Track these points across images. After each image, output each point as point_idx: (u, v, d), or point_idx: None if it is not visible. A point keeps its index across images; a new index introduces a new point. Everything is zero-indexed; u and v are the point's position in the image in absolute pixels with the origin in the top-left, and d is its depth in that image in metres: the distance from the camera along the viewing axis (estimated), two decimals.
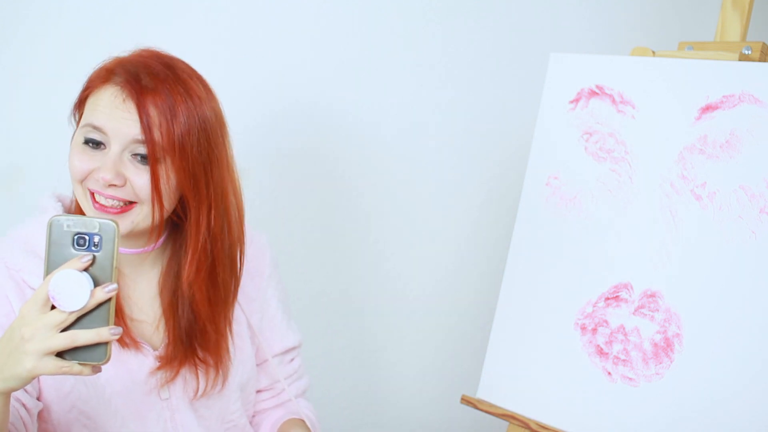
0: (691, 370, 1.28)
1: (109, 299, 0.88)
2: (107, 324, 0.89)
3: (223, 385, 1.23)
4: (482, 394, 1.50)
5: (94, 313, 0.88)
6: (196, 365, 1.20)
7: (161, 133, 1.09)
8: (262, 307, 1.32)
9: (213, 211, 1.15)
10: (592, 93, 1.44)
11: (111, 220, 0.89)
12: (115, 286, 0.89)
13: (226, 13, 1.67)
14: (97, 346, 0.89)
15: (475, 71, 1.92)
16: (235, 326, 1.26)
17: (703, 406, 1.26)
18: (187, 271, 1.16)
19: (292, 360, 1.37)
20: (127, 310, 1.18)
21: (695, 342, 1.28)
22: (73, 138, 1.16)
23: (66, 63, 1.59)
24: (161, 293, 1.20)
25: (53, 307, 0.88)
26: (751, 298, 1.24)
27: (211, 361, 1.21)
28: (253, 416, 1.36)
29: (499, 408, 1.47)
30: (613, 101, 1.41)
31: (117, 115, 1.09)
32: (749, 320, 1.23)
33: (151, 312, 1.21)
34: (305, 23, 1.75)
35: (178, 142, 1.09)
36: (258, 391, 1.36)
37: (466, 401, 1.51)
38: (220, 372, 1.22)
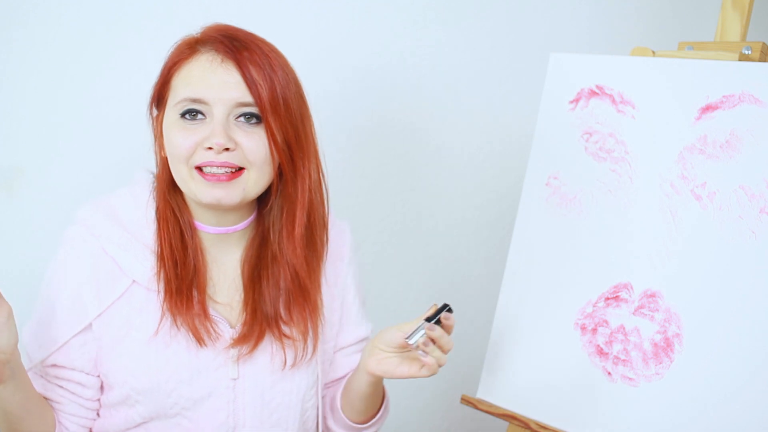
0: (691, 370, 1.28)
1: None
2: None
3: (313, 351, 1.21)
4: (482, 394, 1.50)
5: None
6: (281, 337, 1.18)
7: (265, 90, 1.09)
8: (342, 293, 1.30)
9: (312, 166, 1.17)
10: (592, 93, 1.44)
11: None
12: None
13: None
14: None
15: (475, 71, 1.92)
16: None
17: (703, 406, 1.26)
18: (297, 226, 1.16)
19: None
20: (211, 295, 1.18)
21: (695, 342, 1.28)
22: (161, 123, 1.15)
23: (67, 64, 1.59)
24: (243, 268, 1.19)
25: None
26: (750, 298, 1.24)
27: (300, 328, 1.19)
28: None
29: (499, 408, 1.47)
30: (613, 101, 1.41)
31: (217, 80, 1.09)
32: (749, 320, 1.23)
33: (233, 295, 1.20)
34: (297, 29, 1.75)
35: (282, 98, 1.10)
36: (333, 382, 1.33)
37: (466, 401, 1.51)
38: (310, 336, 1.20)
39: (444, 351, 1.16)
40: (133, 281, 1.14)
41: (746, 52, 1.33)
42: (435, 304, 1.17)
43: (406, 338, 1.14)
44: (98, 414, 1.20)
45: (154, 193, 1.18)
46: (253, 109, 1.10)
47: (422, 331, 1.14)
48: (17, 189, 1.60)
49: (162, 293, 1.14)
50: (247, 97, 1.09)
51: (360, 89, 1.83)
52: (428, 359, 1.15)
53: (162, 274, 1.14)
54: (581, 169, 1.44)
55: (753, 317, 1.23)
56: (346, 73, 1.81)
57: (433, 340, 1.14)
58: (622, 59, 1.42)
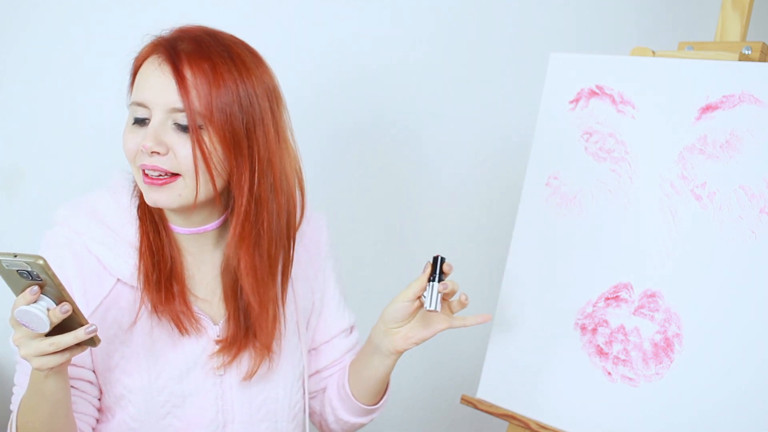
0: (691, 370, 1.28)
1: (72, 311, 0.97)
2: (81, 325, 0.98)
3: (269, 366, 1.21)
4: (482, 394, 1.50)
5: (66, 321, 0.97)
6: (254, 347, 1.18)
7: (200, 98, 1.05)
8: (322, 287, 1.31)
9: (257, 175, 1.10)
10: (592, 93, 1.44)
11: (34, 256, 0.93)
12: (67, 307, 0.96)
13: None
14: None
15: (475, 71, 1.92)
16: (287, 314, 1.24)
17: (703, 406, 1.26)
18: (231, 236, 1.13)
19: (351, 333, 1.36)
20: (191, 288, 1.18)
21: (695, 342, 1.28)
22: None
23: (66, 64, 1.59)
24: (223, 273, 1.18)
25: None
26: (750, 298, 1.24)
27: (262, 341, 1.18)
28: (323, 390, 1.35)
29: (499, 408, 1.47)
30: (613, 101, 1.41)
31: (154, 82, 1.07)
32: (749, 320, 1.23)
33: (214, 291, 1.19)
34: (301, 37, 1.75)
35: (218, 108, 1.06)
36: (317, 372, 1.34)
37: (466, 401, 1.51)
38: (267, 351, 1.19)
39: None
40: (118, 280, 1.14)
41: (746, 52, 1.33)
42: (428, 262, 1.20)
43: (428, 308, 1.19)
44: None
45: (136, 190, 1.17)
46: (184, 116, 1.07)
47: (437, 293, 1.18)
48: (17, 189, 1.60)
49: (142, 284, 1.14)
50: (180, 103, 1.06)
51: (359, 89, 1.83)
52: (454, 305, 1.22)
53: (142, 267, 1.14)
54: (581, 169, 1.44)
55: (753, 317, 1.23)
56: (346, 73, 1.81)
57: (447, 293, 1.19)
58: (622, 59, 1.42)
